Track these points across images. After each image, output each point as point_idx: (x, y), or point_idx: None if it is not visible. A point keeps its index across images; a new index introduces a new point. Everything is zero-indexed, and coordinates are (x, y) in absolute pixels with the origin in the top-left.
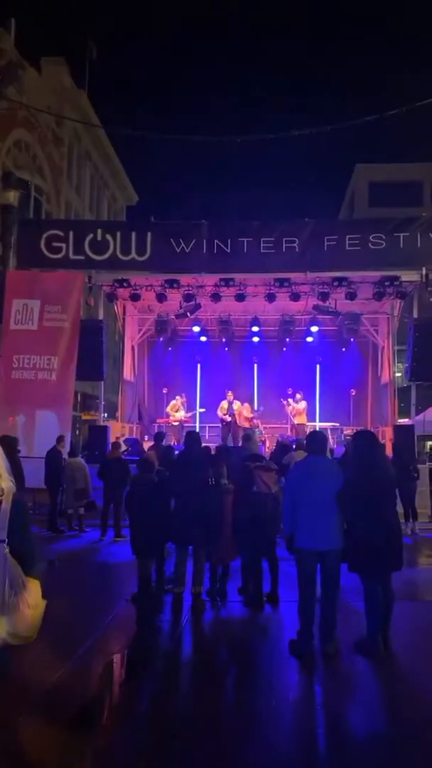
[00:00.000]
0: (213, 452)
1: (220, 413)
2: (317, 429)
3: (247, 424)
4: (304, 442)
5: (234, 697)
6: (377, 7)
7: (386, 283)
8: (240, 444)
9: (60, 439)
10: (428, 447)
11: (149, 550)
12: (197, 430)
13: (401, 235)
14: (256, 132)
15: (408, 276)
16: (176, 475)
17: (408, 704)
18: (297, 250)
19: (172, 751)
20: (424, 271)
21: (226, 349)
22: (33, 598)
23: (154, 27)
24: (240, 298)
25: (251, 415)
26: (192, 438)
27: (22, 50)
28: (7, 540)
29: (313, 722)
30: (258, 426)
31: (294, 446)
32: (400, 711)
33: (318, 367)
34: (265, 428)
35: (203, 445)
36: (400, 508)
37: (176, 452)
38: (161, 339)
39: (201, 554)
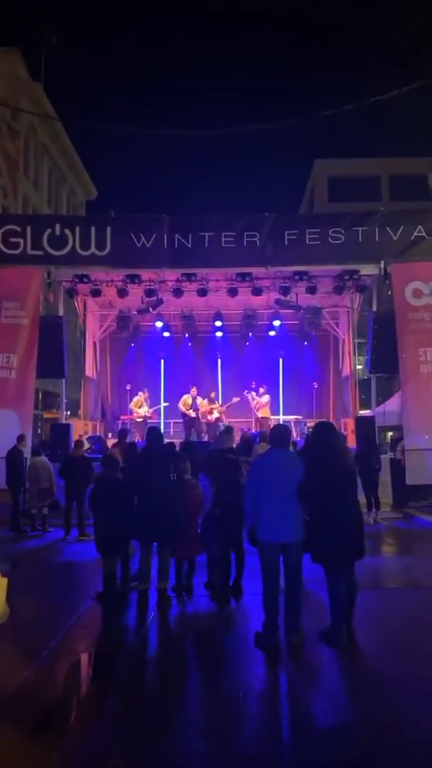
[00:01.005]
0: (174, 449)
1: (183, 407)
2: (280, 422)
3: (211, 419)
4: (267, 435)
5: (201, 691)
6: (338, 4)
7: (346, 277)
8: (205, 439)
9: (21, 438)
10: (389, 437)
11: (113, 547)
12: (162, 425)
13: (360, 229)
14: (217, 126)
15: (367, 270)
16: (139, 472)
17: (372, 692)
18: (258, 244)
19: (138, 749)
20: (382, 265)
21: (190, 344)
22: None
23: (112, 17)
24: (202, 293)
25: (214, 408)
26: (153, 434)
27: None
28: None
29: (279, 713)
30: (222, 420)
31: (258, 440)
32: (365, 699)
33: (281, 360)
34: (229, 422)
35: (168, 441)
36: (362, 498)
37: (140, 449)
38: (123, 335)
39: (165, 550)
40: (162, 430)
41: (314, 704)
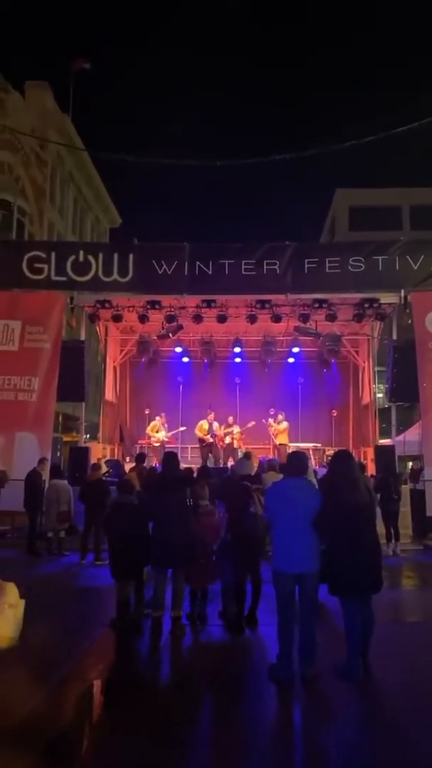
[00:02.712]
0: (190, 474)
1: (199, 433)
2: (298, 450)
3: (226, 444)
4: (276, 463)
5: (213, 724)
6: (359, 34)
7: (366, 305)
8: (221, 465)
9: (41, 462)
10: (409, 467)
11: (128, 573)
12: (179, 450)
13: (380, 258)
14: (240, 156)
15: (387, 298)
16: (154, 498)
17: (388, 729)
18: (278, 272)
19: None
20: (402, 293)
21: (208, 369)
22: (12, 598)
23: (140, 52)
24: (222, 319)
25: (230, 432)
26: (169, 459)
27: (6, 74)
28: None
29: (292, 749)
30: (240, 447)
31: (266, 468)
32: (381, 736)
33: (299, 387)
34: (247, 448)
35: (186, 466)
36: (381, 529)
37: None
38: (143, 360)
39: (180, 577)
40: (179, 455)
41: (328, 741)
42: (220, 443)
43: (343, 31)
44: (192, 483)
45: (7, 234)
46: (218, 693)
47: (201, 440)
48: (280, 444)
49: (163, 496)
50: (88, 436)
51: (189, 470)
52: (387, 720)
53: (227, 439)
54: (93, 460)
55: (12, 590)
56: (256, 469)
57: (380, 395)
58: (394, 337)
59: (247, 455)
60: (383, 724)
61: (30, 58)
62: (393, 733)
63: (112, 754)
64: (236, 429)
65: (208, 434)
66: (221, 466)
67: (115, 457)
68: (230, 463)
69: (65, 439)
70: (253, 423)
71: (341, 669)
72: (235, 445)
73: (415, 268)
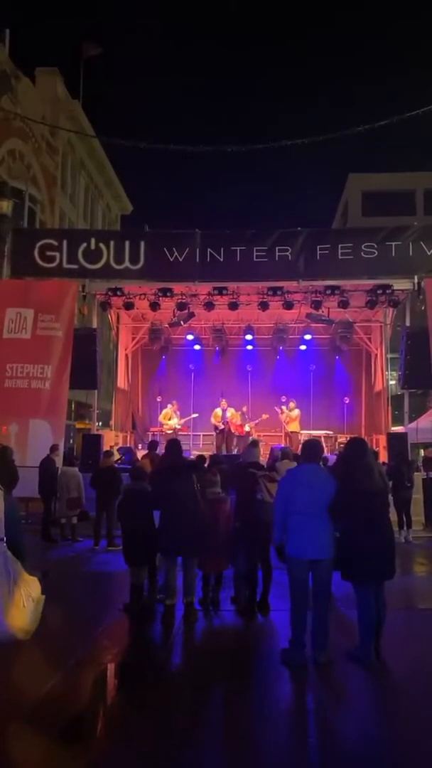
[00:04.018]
0: (195, 460)
1: (213, 420)
2: (312, 437)
3: (241, 432)
4: (291, 451)
5: (226, 707)
6: (371, 18)
7: (378, 292)
8: (235, 452)
9: (54, 448)
10: (421, 454)
11: (141, 559)
12: (191, 437)
13: (393, 243)
14: (251, 141)
15: (400, 284)
16: (159, 485)
17: (401, 714)
18: (290, 258)
19: (162, 764)
20: (416, 280)
21: (220, 357)
22: (35, 591)
23: (150, 37)
24: (233, 306)
25: (242, 423)
26: (172, 446)
27: (16, 61)
28: (5, 538)
29: (305, 733)
30: (252, 434)
31: (280, 456)
32: (393, 721)
33: (311, 375)
34: (258, 436)
35: (198, 453)
36: (393, 516)
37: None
38: (155, 347)
39: (190, 564)
40: (191, 442)
41: (341, 725)
42: (236, 430)
43: (358, 15)
44: (198, 469)
45: (19, 222)
46: (231, 677)
47: (215, 427)
48: (291, 432)
49: (169, 483)
50: (100, 423)
51: (201, 457)
52: (400, 705)
53: (246, 427)
54: (105, 448)
55: (35, 584)
56: (267, 456)
57: (393, 382)
58: (407, 323)
59: (254, 442)
60: (396, 709)
61: (40, 45)
62: (406, 719)
63: (126, 737)
64: (247, 426)
65: (220, 421)
66: (234, 453)
67: (128, 444)
68: None
69: (78, 426)
70: (266, 416)
71: (354, 654)
72: (253, 433)
73: (429, 253)
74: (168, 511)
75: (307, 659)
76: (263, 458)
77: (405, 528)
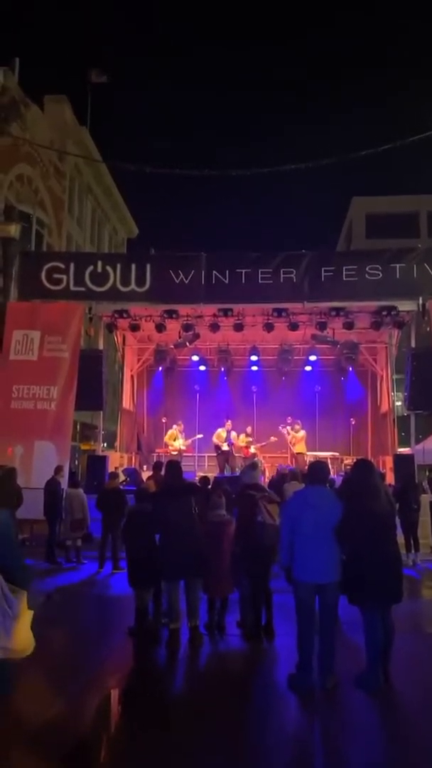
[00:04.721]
0: (193, 483)
1: (216, 441)
2: (318, 459)
3: (246, 454)
4: (298, 472)
5: (233, 733)
6: (375, 43)
7: (383, 313)
8: (238, 473)
9: (59, 470)
10: (428, 476)
11: (145, 582)
12: (195, 458)
13: (397, 265)
14: (255, 165)
15: (405, 306)
16: (159, 508)
17: (409, 740)
18: (295, 280)
19: None
20: (420, 301)
21: (225, 378)
22: (17, 608)
23: (156, 64)
24: (238, 327)
25: (248, 444)
26: (172, 468)
27: (25, 88)
28: None
29: (312, 760)
30: (257, 455)
31: (288, 478)
32: (401, 747)
33: (317, 396)
34: (264, 458)
35: (202, 474)
36: (401, 539)
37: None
38: (160, 368)
39: (193, 587)
40: (195, 464)
41: (349, 751)
42: (239, 452)
43: (362, 39)
44: (197, 491)
45: (27, 245)
46: (237, 703)
47: (217, 447)
48: (297, 453)
49: (168, 505)
50: (105, 444)
51: (205, 478)
52: (407, 731)
53: (252, 449)
54: (111, 469)
55: (21, 599)
56: (267, 478)
57: (399, 403)
58: (413, 345)
59: (253, 465)
60: (404, 734)
61: (49, 73)
62: (413, 744)
63: (129, 763)
64: (252, 448)
65: (224, 442)
66: (237, 474)
67: (133, 466)
68: None
69: (83, 447)
70: (275, 439)
71: (361, 679)
72: (258, 454)
73: None
74: (166, 534)
75: (314, 684)
76: (269, 479)
77: (413, 551)
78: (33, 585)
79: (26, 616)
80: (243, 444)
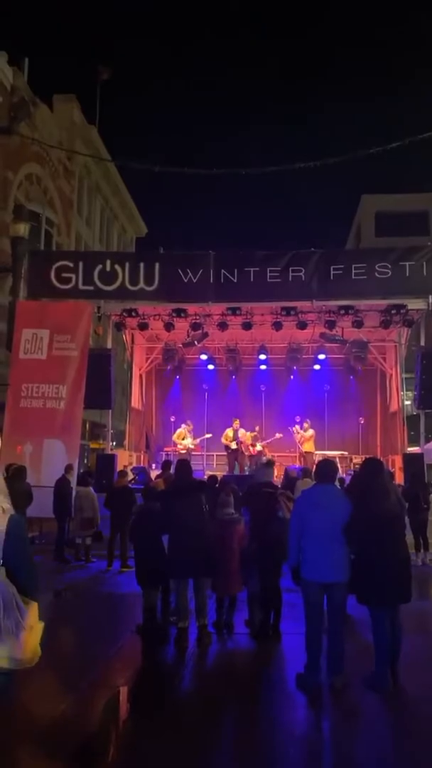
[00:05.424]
0: (203, 481)
1: (225, 440)
2: (327, 458)
3: (252, 452)
4: (311, 470)
5: (240, 732)
6: (385, 41)
7: (393, 312)
8: (247, 472)
9: (68, 468)
10: None
11: (154, 580)
12: (204, 457)
13: (407, 263)
14: (264, 163)
15: (414, 304)
16: (168, 506)
17: (417, 740)
18: (303, 279)
19: None
20: (430, 299)
21: (234, 377)
22: (29, 620)
23: (165, 63)
24: (247, 326)
25: (253, 441)
26: (182, 467)
27: (34, 88)
28: (2, 561)
29: (320, 759)
30: (266, 454)
31: (301, 475)
32: (409, 747)
33: (326, 394)
34: (272, 456)
35: (211, 473)
36: (410, 538)
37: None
38: (169, 367)
39: (201, 585)
40: (204, 462)
41: (357, 751)
42: (247, 451)
43: (369, 36)
44: (206, 489)
45: (36, 244)
46: (245, 702)
47: (226, 447)
48: (306, 452)
49: (177, 504)
50: (114, 443)
51: (213, 477)
52: (416, 731)
53: (258, 447)
54: (119, 467)
55: (32, 611)
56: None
57: (408, 402)
58: (422, 343)
59: (269, 463)
60: (413, 734)
61: (58, 72)
62: (423, 744)
63: (137, 761)
64: (259, 446)
65: (232, 441)
66: (246, 474)
67: (141, 464)
68: None
69: (92, 446)
70: (280, 435)
71: (370, 679)
72: (266, 453)
73: None
74: (174, 533)
75: (322, 684)
76: (278, 479)
77: (422, 550)
78: (41, 586)
79: (37, 628)
80: (248, 441)
